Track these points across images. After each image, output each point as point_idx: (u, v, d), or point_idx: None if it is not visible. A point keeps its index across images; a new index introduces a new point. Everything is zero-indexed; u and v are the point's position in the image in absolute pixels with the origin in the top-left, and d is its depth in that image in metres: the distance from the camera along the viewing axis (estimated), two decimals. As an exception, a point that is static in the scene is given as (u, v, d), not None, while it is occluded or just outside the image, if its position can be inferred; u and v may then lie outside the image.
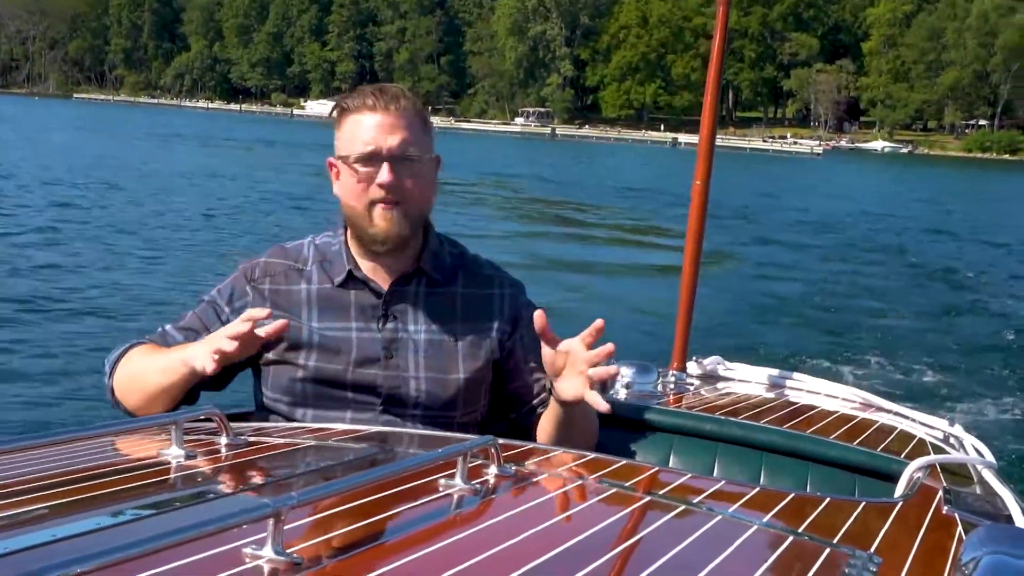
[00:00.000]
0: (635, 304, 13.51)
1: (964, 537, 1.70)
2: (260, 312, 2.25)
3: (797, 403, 3.46)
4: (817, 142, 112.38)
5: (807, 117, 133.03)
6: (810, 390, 3.82)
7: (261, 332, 2.26)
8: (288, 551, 1.19)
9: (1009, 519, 2.17)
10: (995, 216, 36.20)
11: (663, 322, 9.14)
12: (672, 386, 3.69)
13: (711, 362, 4.01)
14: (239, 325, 2.23)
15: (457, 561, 1.26)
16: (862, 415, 3.39)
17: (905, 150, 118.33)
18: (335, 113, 2.48)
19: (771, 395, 3.64)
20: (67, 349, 9.07)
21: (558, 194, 34.77)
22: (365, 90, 2.43)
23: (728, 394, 3.57)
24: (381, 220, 2.41)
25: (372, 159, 2.37)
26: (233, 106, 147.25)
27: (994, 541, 1.44)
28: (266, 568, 1.17)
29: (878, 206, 38.28)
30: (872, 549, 1.59)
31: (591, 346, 2.31)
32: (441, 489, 1.58)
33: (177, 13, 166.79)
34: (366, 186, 2.39)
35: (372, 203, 2.40)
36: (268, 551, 1.18)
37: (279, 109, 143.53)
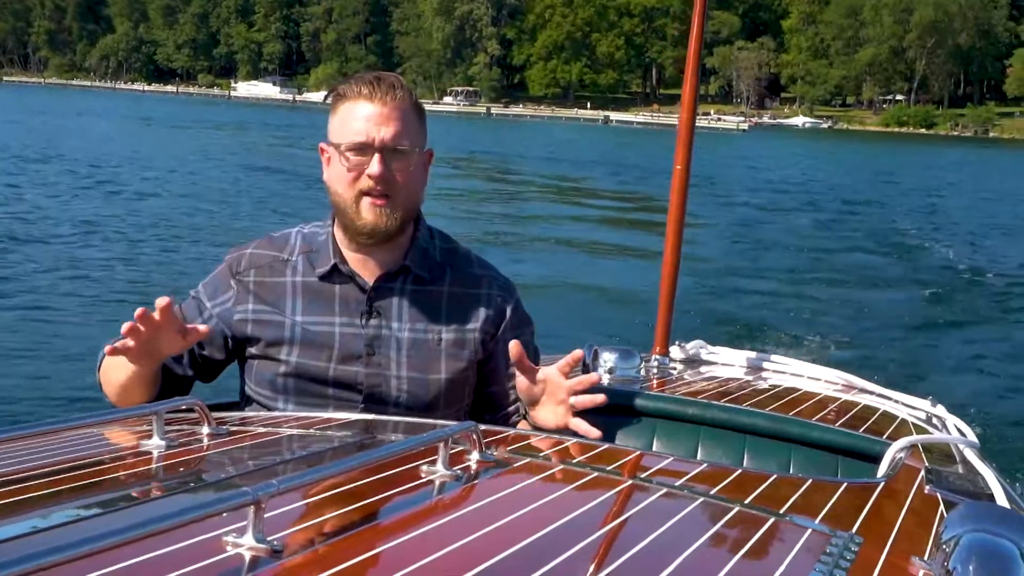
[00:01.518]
0: (617, 287, 13.41)
1: (946, 515, 1.68)
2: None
3: (780, 386, 3.47)
4: (742, 118, 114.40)
5: (729, 94, 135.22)
6: (793, 372, 3.83)
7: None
8: (269, 538, 1.19)
9: (991, 497, 2.17)
10: (974, 197, 36.77)
11: (645, 306, 9.15)
12: (655, 371, 3.69)
13: (694, 346, 3.99)
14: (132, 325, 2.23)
15: (439, 547, 1.26)
16: (845, 397, 3.41)
17: (825, 125, 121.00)
18: (330, 98, 2.46)
19: (754, 378, 3.65)
20: (57, 338, 9.08)
21: (520, 171, 35.09)
22: (363, 77, 2.41)
23: (711, 378, 3.58)
24: (369, 213, 2.37)
25: (363, 149, 2.34)
26: (169, 88, 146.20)
27: (975, 519, 1.44)
28: (247, 556, 1.17)
29: (824, 178, 39.59)
30: (853, 529, 1.60)
31: (568, 375, 2.35)
32: (423, 475, 1.58)
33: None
34: (356, 176, 2.36)
35: (361, 194, 2.37)
36: (249, 539, 1.18)
37: (216, 91, 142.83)
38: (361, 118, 2.34)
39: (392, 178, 2.35)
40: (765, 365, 3.91)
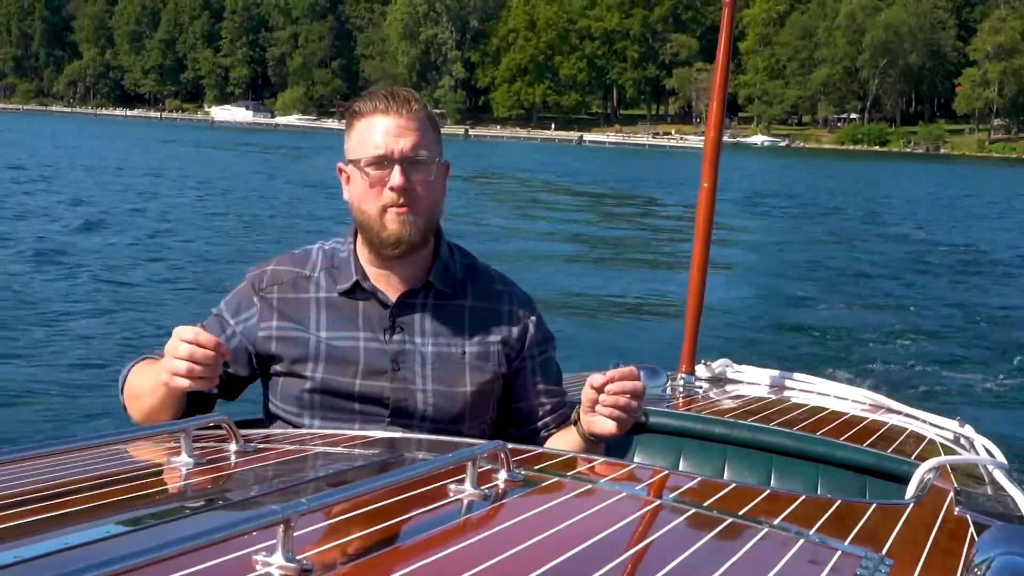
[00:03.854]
0: (644, 305, 13.55)
1: (976, 538, 1.67)
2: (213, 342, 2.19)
3: (806, 405, 3.44)
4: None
5: (688, 114, 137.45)
6: (819, 392, 3.79)
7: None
8: (298, 557, 1.19)
9: (1021, 519, 2.14)
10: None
11: (671, 324, 9.44)
12: (681, 389, 3.66)
13: (720, 365, 3.94)
14: (195, 354, 2.17)
15: (467, 567, 1.25)
16: (872, 417, 3.37)
17: (783, 143, 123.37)
18: (345, 117, 2.45)
19: (780, 397, 3.62)
20: (80, 357, 9.22)
21: (528, 186, 35.69)
22: (376, 93, 2.41)
23: (737, 396, 3.56)
24: (393, 223, 2.36)
25: (383, 163, 2.34)
26: (152, 113, 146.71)
27: (1006, 542, 1.42)
28: (276, 574, 1.16)
29: (813, 194, 41.24)
30: (884, 551, 1.57)
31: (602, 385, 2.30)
32: (451, 494, 1.56)
33: (67, 21, 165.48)
34: (378, 190, 2.36)
35: (384, 207, 2.36)
36: (278, 558, 1.17)
37: (199, 116, 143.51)
38: (379, 132, 2.36)
39: (413, 189, 2.37)
40: (791, 384, 3.89)
